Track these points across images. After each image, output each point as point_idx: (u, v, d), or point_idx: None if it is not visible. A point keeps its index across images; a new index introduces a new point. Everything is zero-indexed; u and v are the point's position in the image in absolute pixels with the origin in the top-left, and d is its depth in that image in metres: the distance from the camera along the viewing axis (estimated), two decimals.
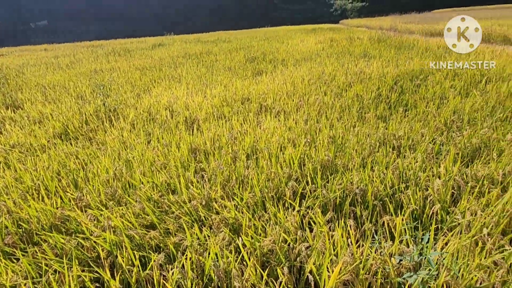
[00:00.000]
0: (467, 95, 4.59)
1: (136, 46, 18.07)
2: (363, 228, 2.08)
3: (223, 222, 2.19)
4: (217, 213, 2.31)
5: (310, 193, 2.46)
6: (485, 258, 1.74)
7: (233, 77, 7.32)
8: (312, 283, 1.68)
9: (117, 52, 15.12)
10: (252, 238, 1.97)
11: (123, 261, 1.89)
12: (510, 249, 1.76)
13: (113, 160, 3.32)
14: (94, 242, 2.06)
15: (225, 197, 2.47)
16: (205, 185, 2.63)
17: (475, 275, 1.59)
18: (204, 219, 2.30)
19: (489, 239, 1.84)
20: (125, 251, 1.93)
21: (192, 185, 2.64)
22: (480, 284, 1.59)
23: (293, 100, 4.85)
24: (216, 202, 2.40)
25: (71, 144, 4.00)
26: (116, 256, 1.93)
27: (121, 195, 2.62)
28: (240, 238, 1.97)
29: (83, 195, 2.63)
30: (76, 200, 2.57)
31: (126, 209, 2.37)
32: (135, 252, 1.93)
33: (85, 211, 2.44)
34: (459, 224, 2.02)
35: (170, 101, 5.47)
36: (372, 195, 2.29)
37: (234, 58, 10.29)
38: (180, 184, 2.64)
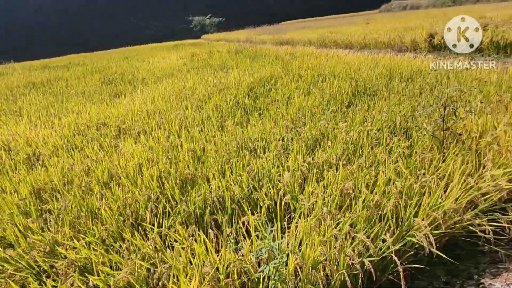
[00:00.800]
0: (309, 93, 5.25)
1: None
2: (224, 234, 2.12)
3: (72, 265, 1.92)
4: (65, 257, 2.02)
5: (172, 210, 2.39)
6: (328, 233, 1.98)
7: (87, 102, 6.67)
8: None
9: None
10: (107, 274, 1.79)
11: None
12: (343, 220, 2.04)
13: None
14: None
15: (74, 236, 2.18)
16: (51, 229, 2.28)
17: (318, 251, 1.78)
18: (49, 268, 1.98)
19: (329, 216, 2.11)
20: None
21: (33, 233, 2.25)
22: (323, 257, 1.79)
23: (154, 119, 4.70)
24: (63, 245, 2.09)
25: None
26: None
27: None
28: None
29: None
30: None
31: None
32: None
33: None
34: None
35: (7, 139, 4.62)
36: (229, 199, 2.36)
37: (89, 82, 9.44)
38: (15, 236, 2.22)
